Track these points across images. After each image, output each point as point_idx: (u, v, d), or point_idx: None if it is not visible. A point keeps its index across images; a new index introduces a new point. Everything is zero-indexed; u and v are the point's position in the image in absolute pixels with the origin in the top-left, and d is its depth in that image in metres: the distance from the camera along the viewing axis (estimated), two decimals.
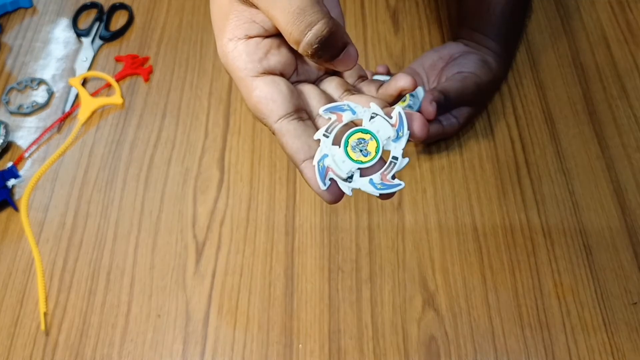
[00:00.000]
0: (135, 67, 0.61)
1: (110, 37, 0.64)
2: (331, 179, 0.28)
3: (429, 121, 0.52)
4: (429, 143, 0.55)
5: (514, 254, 0.50)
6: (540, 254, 0.50)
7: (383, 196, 0.29)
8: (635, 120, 0.57)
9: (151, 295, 0.48)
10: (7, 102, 0.59)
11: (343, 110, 0.29)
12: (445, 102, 0.51)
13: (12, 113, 0.59)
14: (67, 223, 0.52)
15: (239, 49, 0.29)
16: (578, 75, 0.61)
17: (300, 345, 0.46)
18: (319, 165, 0.28)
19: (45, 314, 0.47)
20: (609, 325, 0.47)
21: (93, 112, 0.59)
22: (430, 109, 0.49)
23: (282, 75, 0.30)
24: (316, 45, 0.27)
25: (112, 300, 0.48)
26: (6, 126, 0.56)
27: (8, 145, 0.57)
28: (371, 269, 0.49)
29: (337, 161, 0.28)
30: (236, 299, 0.48)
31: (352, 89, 0.31)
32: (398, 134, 0.29)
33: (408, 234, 0.51)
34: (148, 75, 0.61)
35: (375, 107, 0.29)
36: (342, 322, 0.47)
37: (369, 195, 0.52)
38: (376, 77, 0.53)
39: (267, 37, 0.30)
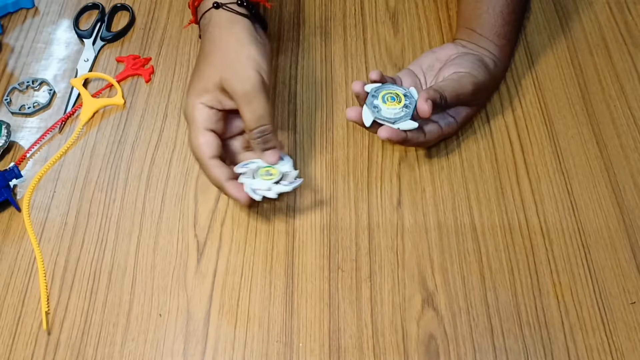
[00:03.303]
0: (137, 68, 0.62)
1: (112, 37, 0.64)
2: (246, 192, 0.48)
3: (426, 119, 0.52)
4: (430, 146, 0.55)
5: (512, 254, 0.50)
6: (539, 253, 0.50)
7: (278, 195, 0.49)
8: (633, 121, 0.58)
9: (152, 294, 0.49)
10: (9, 103, 0.60)
11: (253, 163, 0.50)
12: (440, 101, 0.51)
13: (13, 113, 0.59)
14: (69, 223, 0.52)
15: (203, 111, 0.49)
16: (577, 75, 0.61)
17: (300, 344, 0.46)
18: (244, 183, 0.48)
19: (47, 313, 0.48)
20: (607, 324, 0.47)
21: (95, 113, 0.59)
22: (426, 107, 0.49)
23: (217, 133, 0.49)
24: (258, 138, 0.49)
25: (113, 299, 0.48)
26: (8, 126, 0.56)
27: (10, 146, 0.57)
28: (371, 268, 0.49)
29: (253, 183, 0.48)
30: (237, 298, 0.48)
31: (249, 147, 0.52)
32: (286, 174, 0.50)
33: (407, 233, 0.51)
34: (149, 76, 0.61)
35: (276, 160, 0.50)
36: (342, 320, 0.47)
37: (369, 195, 0.53)
38: (367, 87, 0.52)
39: (219, 110, 0.49)
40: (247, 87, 0.47)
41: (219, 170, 0.48)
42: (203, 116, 0.48)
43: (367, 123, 0.50)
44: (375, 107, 0.50)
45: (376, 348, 0.46)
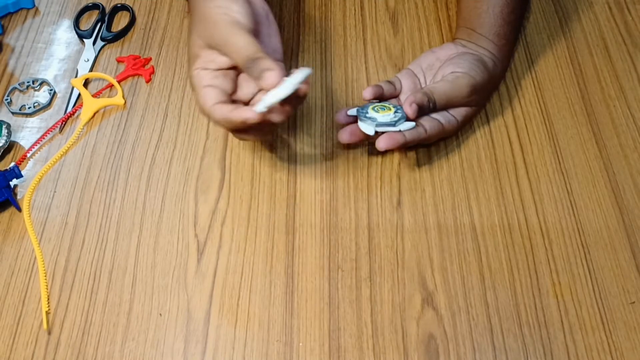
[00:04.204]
0: (137, 68, 0.62)
1: (112, 38, 0.65)
2: None
3: (426, 116, 0.52)
4: (430, 144, 0.55)
5: (512, 253, 0.50)
6: (539, 253, 0.50)
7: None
8: (633, 121, 0.58)
9: (152, 294, 0.49)
10: (10, 103, 0.60)
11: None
12: (428, 104, 0.51)
13: (14, 113, 0.59)
14: (69, 222, 0.52)
15: (199, 74, 0.48)
16: (576, 75, 0.61)
17: (300, 344, 0.46)
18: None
19: (47, 312, 0.48)
20: (607, 324, 0.47)
21: (95, 113, 0.59)
22: (409, 111, 0.50)
23: (218, 88, 0.48)
24: (250, 67, 0.46)
25: (113, 299, 0.49)
26: (8, 126, 0.56)
27: (10, 145, 0.57)
28: (371, 268, 0.50)
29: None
30: (237, 298, 0.48)
31: None
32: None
33: (407, 233, 0.51)
34: (150, 76, 0.61)
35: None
36: (342, 320, 0.47)
37: (369, 195, 0.53)
38: (350, 111, 0.53)
39: (215, 70, 0.48)
40: (227, 28, 0.46)
41: (220, 109, 0.46)
42: (199, 78, 0.48)
43: (371, 132, 0.50)
44: (370, 118, 0.51)
45: (376, 347, 0.46)
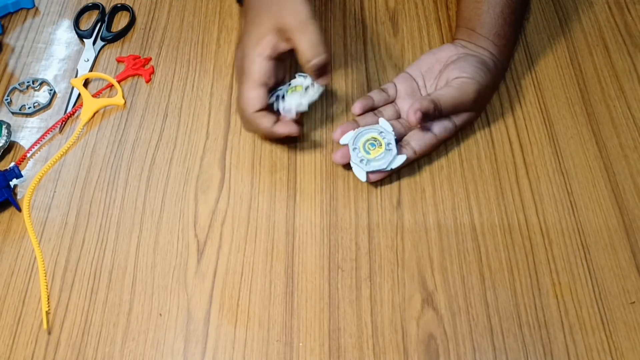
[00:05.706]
0: (137, 68, 0.62)
1: (112, 38, 0.65)
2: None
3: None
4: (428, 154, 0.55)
5: (512, 253, 0.50)
6: (539, 253, 0.50)
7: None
8: (633, 121, 0.58)
9: (152, 294, 0.49)
10: (9, 103, 0.60)
11: (279, 90, 0.54)
12: (434, 112, 0.51)
13: (14, 113, 0.59)
14: (69, 222, 0.52)
15: (261, 65, 0.51)
16: (576, 76, 0.61)
17: (300, 344, 0.46)
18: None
19: (47, 312, 0.48)
20: (607, 324, 0.47)
21: (95, 113, 0.59)
22: (414, 119, 0.50)
23: (268, 88, 0.52)
24: (316, 70, 0.50)
25: (113, 299, 0.49)
26: (8, 126, 0.56)
27: (10, 145, 0.57)
28: (371, 268, 0.50)
29: (284, 106, 0.53)
30: (237, 298, 0.48)
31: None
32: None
33: (407, 233, 0.51)
34: (149, 76, 0.61)
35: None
36: (342, 320, 0.47)
37: (369, 195, 0.53)
38: (342, 140, 0.53)
39: (273, 60, 0.51)
40: (301, 16, 0.49)
41: (265, 119, 0.51)
42: (261, 71, 0.51)
43: (363, 178, 0.52)
44: (362, 160, 0.52)
45: (376, 347, 0.46)
